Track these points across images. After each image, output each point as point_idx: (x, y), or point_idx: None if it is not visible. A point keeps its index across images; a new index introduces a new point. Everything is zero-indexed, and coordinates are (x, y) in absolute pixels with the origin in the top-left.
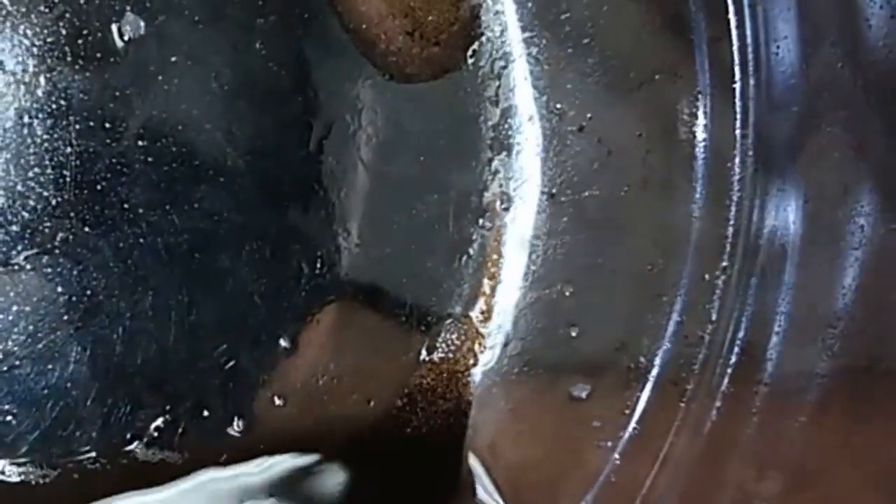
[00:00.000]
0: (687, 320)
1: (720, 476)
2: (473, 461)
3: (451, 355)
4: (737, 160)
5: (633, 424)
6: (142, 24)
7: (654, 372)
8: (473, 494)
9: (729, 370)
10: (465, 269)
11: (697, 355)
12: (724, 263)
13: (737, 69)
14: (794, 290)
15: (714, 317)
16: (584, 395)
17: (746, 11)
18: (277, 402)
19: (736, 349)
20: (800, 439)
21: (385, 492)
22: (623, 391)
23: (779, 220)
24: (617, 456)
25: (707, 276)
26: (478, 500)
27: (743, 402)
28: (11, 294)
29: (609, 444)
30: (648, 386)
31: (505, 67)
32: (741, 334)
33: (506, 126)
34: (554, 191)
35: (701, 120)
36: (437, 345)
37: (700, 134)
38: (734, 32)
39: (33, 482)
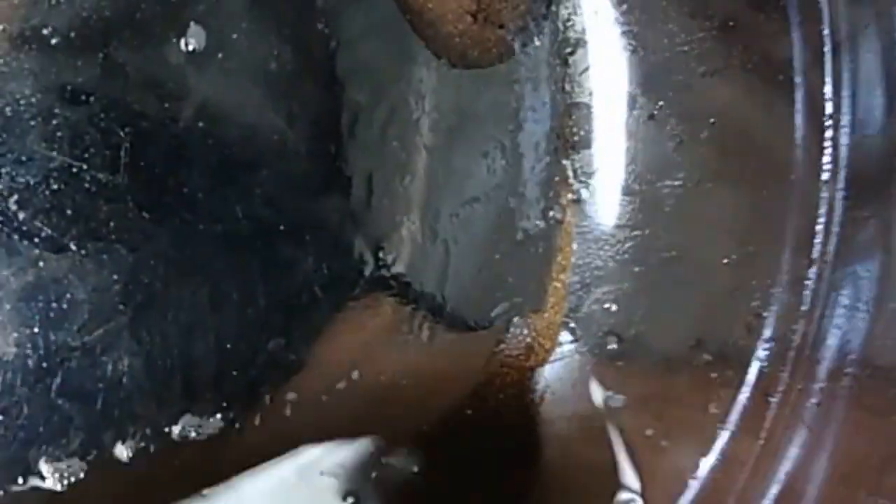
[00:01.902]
0: (774, 315)
1: (815, 474)
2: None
3: (520, 351)
4: (827, 144)
5: (724, 424)
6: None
7: (742, 369)
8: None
9: (819, 366)
10: (534, 263)
11: (787, 352)
12: (814, 255)
13: (827, 52)
14: (881, 281)
15: (804, 310)
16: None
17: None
18: (335, 396)
19: (827, 344)
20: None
21: (456, 489)
22: (706, 389)
23: (867, 210)
24: (708, 457)
25: (794, 270)
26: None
27: (834, 398)
28: (64, 282)
29: (699, 445)
30: (737, 384)
31: (572, 53)
32: (830, 328)
33: (573, 113)
34: (625, 181)
35: (784, 105)
36: (506, 341)
37: (782, 120)
38: (825, 15)
39: (81, 481)
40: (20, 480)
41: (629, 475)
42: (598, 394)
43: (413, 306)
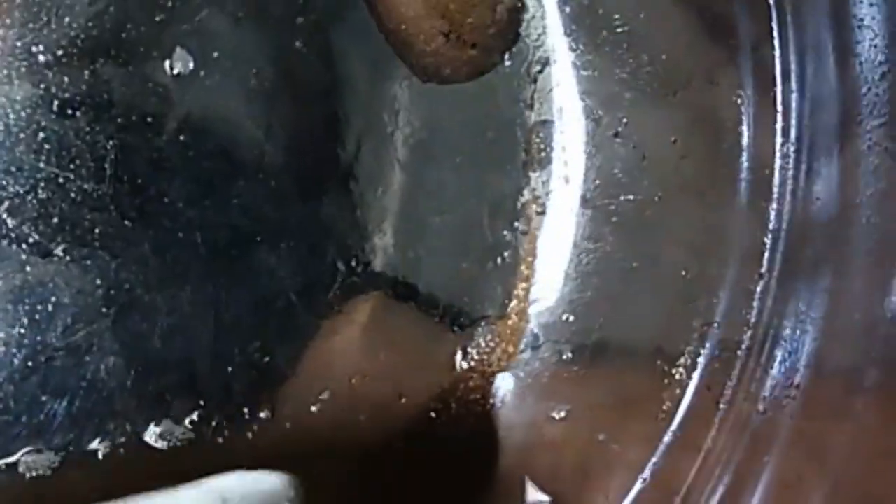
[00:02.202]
0: (724, 325)
1: (759, 480)
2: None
3: (484, 357)
4: (777, 166)
5: (671, 429)
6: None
7: (691, 376)
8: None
9: (767, 375)
10: (500, 272)
11: (735, 360)
12: (763, 269)
13: (778, 75)
14: (832, 295)
15: (752, 321)
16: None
17: (789, 17)
18: (310, 399)
19: (774, 354)
20: (840, 446)
21: (417, 493)
22: (659, 395)
23: (817, 225)
24: (656, 460)
25: (744, 282)
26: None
27: (781, 407)
28: (50, 285)
29: (647, 449)
30: (685, 390)
31: (541, 71)
32: (778, 339)
33: (541, 130)
34: (589, 195)
35: (739, 126)
36: (471, 346)
37: (738, 140)
38: (776, 39)
39: (61, 475)
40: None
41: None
42: (559, 399)
43: (384, 312)
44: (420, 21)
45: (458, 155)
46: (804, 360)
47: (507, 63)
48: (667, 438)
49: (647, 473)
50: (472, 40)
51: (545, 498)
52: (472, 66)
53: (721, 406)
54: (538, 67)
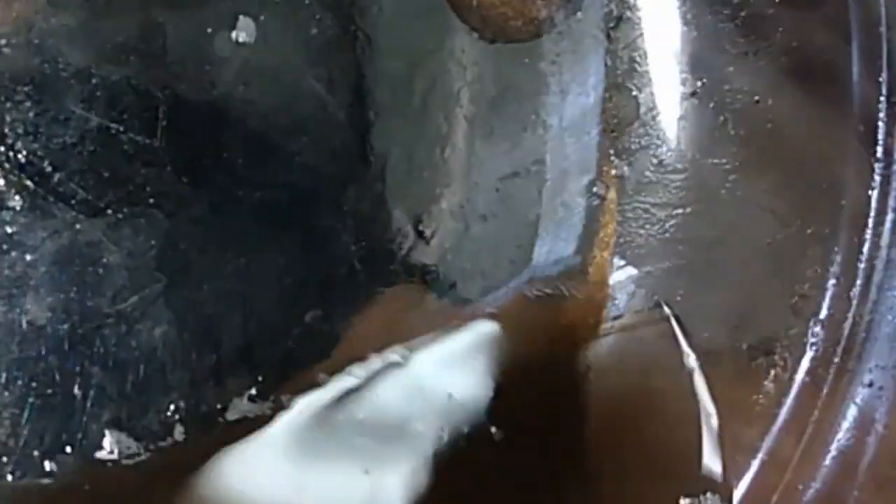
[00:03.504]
0: (819, 297)
1: (866, 453)
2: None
3: (566, 327)
4: (881, 112)
5: (771, 408)
6: None
7: (786, 350)
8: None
9: (873, 344)
10: (578, 238)
11: (835, 334)
12: (868, 234)
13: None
14: None
15: (855, 292)
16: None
17: None
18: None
19: (880, 322)
20: None
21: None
22: (754, 372)
23: None
24: (767, 440)
25: (844, 249)
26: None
27: (889, 377)
28: (100, 246)
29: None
30: (780, 368)
31: (615, 27)
32: (877, 316)
33: (616, 89)
34: (668, 159)
35: (838, 75)
36: (550, 315)
37: (839, 90)
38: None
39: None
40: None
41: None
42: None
43: (452, 280)
44: None
45: (528, 115)
46: None
47: (580, 18)
48: (776, 415)
49: (759, 453)
50: None
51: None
52: (543, 19)
53: (824, 385)
54: (612, 23)
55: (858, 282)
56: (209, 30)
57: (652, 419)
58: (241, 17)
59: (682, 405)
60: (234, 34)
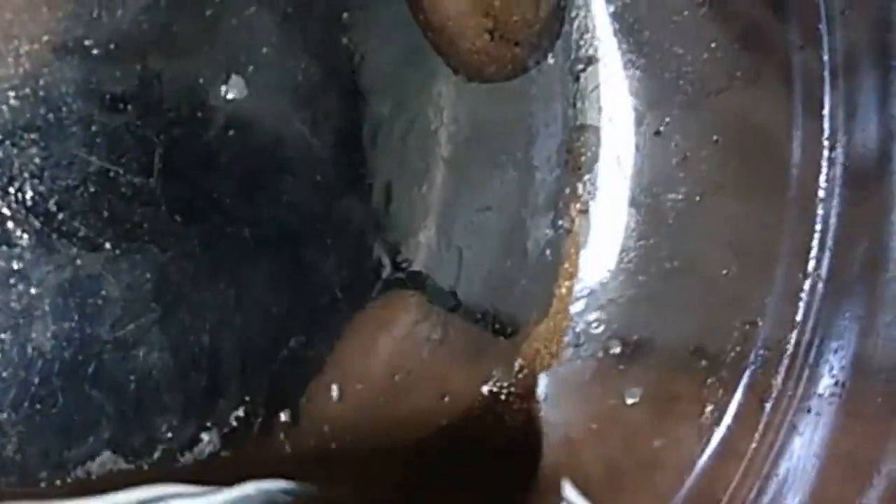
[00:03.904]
0: (768, 324)
1: (805, 477)
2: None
3: (527, 355)
4: (823, 166)
5: (716, 430)
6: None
7: (735, 376)
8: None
9: (813, 374)
10: (543, 270)
11: (780, 360)
12: (809, 269)
13: (826, 76)
14: (877, 294)
15: (798, 320)
16: (636, 399)
17: (837, 20)
18: (354, 394)
19: (820, 353)
20: (889, 445)
21: (458, 490)
22: (702, 395)
23: (864, 224)
24: (700, 462)
25: (790, 281)
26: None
27: (828, 406)
28: (99, 279)
29: (691, 450)
30: (730, 391)
31: (584, 70)
32: (825, 339)
33: (583, 129)
34: (632, 194)
35: (783, 126)
36: (513, 344)
37: (782, 140)
38: (824, 40)
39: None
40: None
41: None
42: (602, 398)
43: (427, 308)
44: (464, 19)
45: (501, 153)
46: (850, 360)
47: (551, 61)
48: (712, 438)
49: (691, 476)
50: (515, 38)
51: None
52: (516, 64)
53: (766, 406)
54: (581, 65)
55: (800, 312)
56: (202, 80)
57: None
58: (232, 75)
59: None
60: (224, 89)
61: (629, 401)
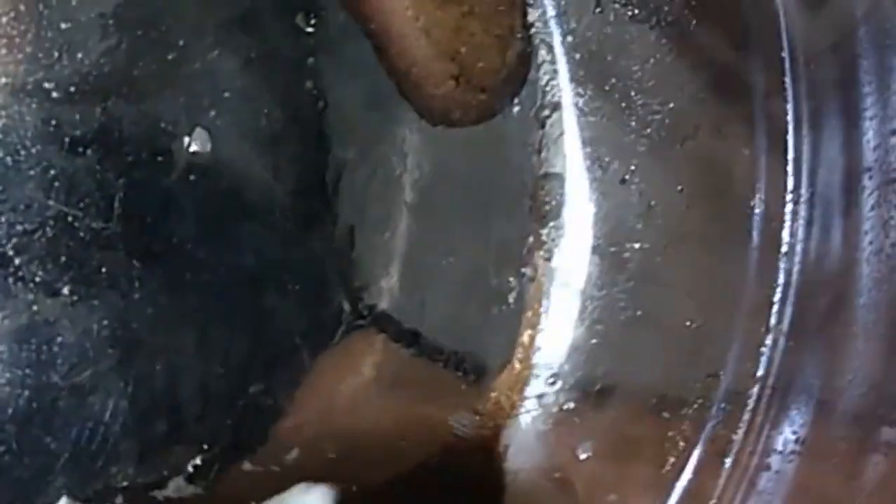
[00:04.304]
0: (730, 377)
1: None
2: None
3: (488, 403)
4: (787, 219)
5: (676, 482)
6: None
7: (696, 428)
8: None
9: (774, 430)
10: (506, 318)
11: (741, 414)
12: (771, 322)
13: (789, 127)
14: (839, 351)
15: (759, 374)
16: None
17: (801, 70)
18: (315, 441)
19: (781, 408)
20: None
21: None
22: (663, 446)
23: (827, 280)
24: None
25: (751, 335)
26: None
27: (788, 462)
28: (56, 324)
29: (651, 499)
30: (690, 443)
31: (549, 116)
32: (786, 394)
33: (548, 176)
34: (596, 242)
35: (748, 177)
36: (476, 391)
37: (747, 191)
38: (789, 91)
39: None
40: None
41: None
42: (563, 447)
43: (389, 356)
44: (430, 64)
45: (465, 199)
46: (812, 416)
47: (517, 108)
48: (672, 492)
49: None
50: (481, 84)
51: None
52: (482, 109)
53: (726, 461)
54: (547, 112)
55: (762, 366)
56: (164, 124)
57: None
58: (196, 128)
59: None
60: (186, 140)
61: (581, 455)
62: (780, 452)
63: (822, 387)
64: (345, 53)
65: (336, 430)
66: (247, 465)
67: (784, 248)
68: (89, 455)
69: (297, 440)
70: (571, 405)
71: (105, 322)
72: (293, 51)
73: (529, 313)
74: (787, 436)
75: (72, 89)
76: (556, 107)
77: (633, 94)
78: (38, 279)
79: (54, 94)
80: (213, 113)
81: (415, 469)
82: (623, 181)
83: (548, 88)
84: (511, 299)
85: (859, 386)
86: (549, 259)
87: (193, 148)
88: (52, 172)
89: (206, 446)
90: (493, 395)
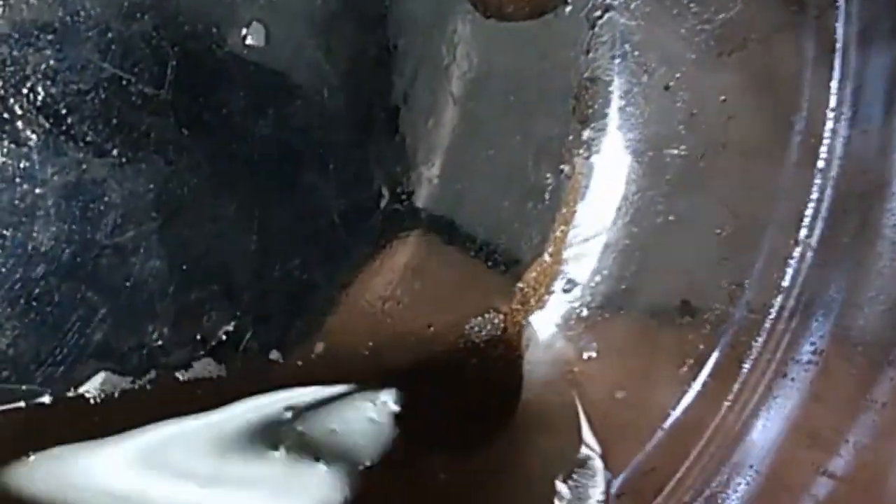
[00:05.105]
0: (754, 287)
1: (775, 439)
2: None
3: (518, 296)
4: (827, 135)
5: (693, 383)
6: None
7: (716, 333)
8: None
9: (794, 340)
10: (541, 213)
11: (762, 323)
12: (801, 236)
13: (839, 44)
14: (863, 268)
15: (784, 286)
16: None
17: None
18: (343, 320)
19: (803, 320)
20: (861, 418)
21: (438, 421)
22: (683, 348)
23: (859, 196)
24: (677, 411)
25: (780, 247)
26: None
27: (805, 373)
28: (103, 185)
29: (668, 398)
30: (710, 347)
31: (600, 17)
32: (809, 306)
33: (594, 76)
34: (635, 145)
35: (792, 92)
36: (505, 283)
37: (789, 106)
38: (841, 7)
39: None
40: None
41: (589, 435)
42: (580, 345)
43: (423, 244)
44: None
45: (510, 94)
46: (831, 329)
47: (569, 5)
48: (688, 391)
49: (667, 423)
50: None
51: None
52: (534, 4)
53: (744, 366)
54: (598, 13)
55: (788, 278)
56: None
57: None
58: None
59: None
60: (243, 12)
61: (592, 354)
62: (798, 362)
63: (844, 302)
64: None
65: (366, 310)
66: (274, 354)
67: (821, 165)
68: (127, 311)
69: (327, 318)
70: (596, 303)
71: (150, 186)
72: None
73: (564, 210)
74: (806, 346)
75: None
76: (608, 7)
77: (686, 1)
78: (88, 139)
79: None
80: None
81: (438, 356)
82: (667, 87)
83: None
84: (547, 196)
85: (881, 303)
86: (588, 158)
87: (249, 22)
88: (109, 36)
89: (238, 314)
90: (520, 287)
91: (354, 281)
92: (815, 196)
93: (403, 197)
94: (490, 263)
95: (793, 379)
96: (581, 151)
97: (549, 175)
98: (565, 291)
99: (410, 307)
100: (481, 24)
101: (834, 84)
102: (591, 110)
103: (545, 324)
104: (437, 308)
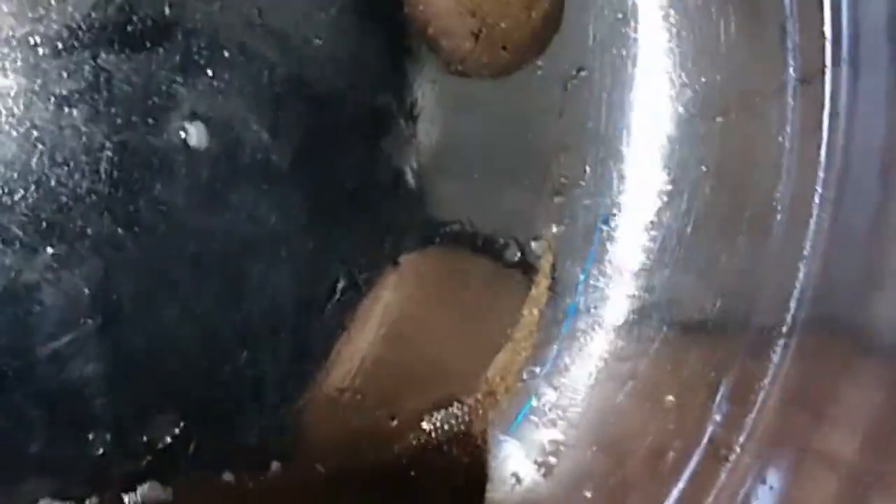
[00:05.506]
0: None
1: None
2: None
3: (482, 385)
4: (812, 214)
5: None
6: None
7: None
8: None
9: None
10: (510, 293)
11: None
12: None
13: (825, 116)
14: None
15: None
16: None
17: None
18: (300, 415)
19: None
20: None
21: None
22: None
23: (844, 285)
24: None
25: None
26: None
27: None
28: (38, 289)
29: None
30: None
31: (575, 78)
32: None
33: (566, 144)
34: (613, 221)
35: (776, 165)
36: (470, 371)
37: (773, 179)
38: (827, 75)
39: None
40: None
41: None
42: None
43: (385, 328)
44: (450, 18)
45: (477, 164)
46: None
47: (540, 67)
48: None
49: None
50: (503, 42)
51: None
52: (503, 66)
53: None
54: (573, 72)
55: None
56: (158, 81)
57: None
58: (193, 84)
59: None
60: (181, 101)
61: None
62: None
63: None
64: (358, 8)
65: (324, 418)
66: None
67: (807, 246)
68: (66, 421)
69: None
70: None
71: (87, 289)
72: (305, 4)
73: (533, 292)
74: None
75: (59, 44)
76: (580, 70)
77: (660, 59)
78: (19, 242)
79: (40, 50)
80: (209, 70)
81: (401, 450)
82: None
83: (572, 51)
84: (517, 275)
85: None
86: (559, 236)
87: (189, 109)
88: (37, 132)
89: (182, 418)
90: (487, 376)
91: (311, 373)
92: (801, 282)
93: (361, 283)
94: (455, 350)
95: (771, 487)
96: (553, 228)
97: (517, 252)
98: (531, 378)
99: (370, 399)
100: (446, 89)
101: (821, 159)
102: (563, 185)
103: (510, 415)
104: (400, 399)
